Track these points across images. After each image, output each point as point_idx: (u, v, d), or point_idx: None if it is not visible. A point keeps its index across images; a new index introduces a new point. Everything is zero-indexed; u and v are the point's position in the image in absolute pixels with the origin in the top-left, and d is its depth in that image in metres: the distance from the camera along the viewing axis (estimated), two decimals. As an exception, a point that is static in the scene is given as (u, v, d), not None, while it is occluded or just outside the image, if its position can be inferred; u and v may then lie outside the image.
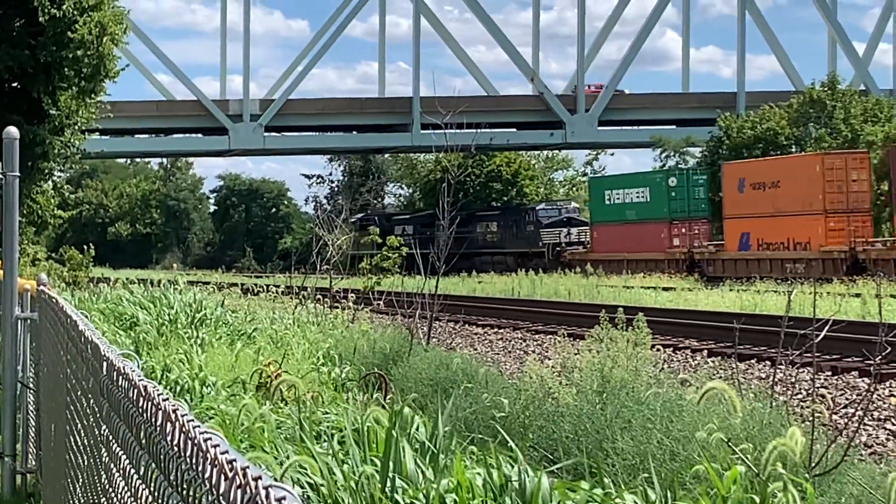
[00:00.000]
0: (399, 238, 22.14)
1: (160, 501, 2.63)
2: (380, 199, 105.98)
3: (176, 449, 2.45)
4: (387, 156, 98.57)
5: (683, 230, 53.66)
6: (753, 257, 48.69)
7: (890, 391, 15.50)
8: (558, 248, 60.24)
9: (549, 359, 18.29)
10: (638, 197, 55.58)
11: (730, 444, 6.82)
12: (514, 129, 74.99)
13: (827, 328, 9.38)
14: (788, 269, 42.91)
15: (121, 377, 3.36)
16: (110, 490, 3.51)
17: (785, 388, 12.41)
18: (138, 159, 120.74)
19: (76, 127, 29.31)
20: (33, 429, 9.89)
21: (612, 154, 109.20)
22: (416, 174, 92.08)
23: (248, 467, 1.95)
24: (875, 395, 14.27)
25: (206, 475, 2.16)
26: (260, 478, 1.88)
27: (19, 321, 10.20)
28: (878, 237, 46.90)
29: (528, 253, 61.12)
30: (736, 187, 50.60)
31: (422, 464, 6.85)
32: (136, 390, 3.03)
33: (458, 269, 51.67)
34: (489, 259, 64.75)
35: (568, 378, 10.12)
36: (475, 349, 22.87)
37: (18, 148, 10.00)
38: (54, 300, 7.60)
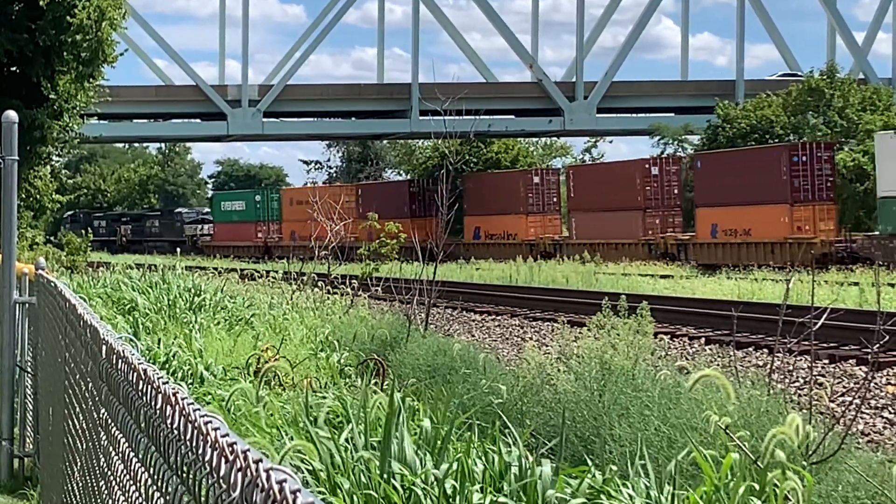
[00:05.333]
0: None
1: (159, 484, 2.63)
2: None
3: (176, 432, 2.44)
4: (385, 142, 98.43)
5: (265, 228, 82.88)
6: (296, 245, 70.93)
7: (887, 379, 15.52)
8: (194, 238, 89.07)
9: (547, 346, 18.30)
10: (239, 206, 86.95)
11: (727, 431, 6.82)
12: (513, 116, 74.75)
13: (825, 316, 9.38)
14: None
15: (120, 361, 3.35)
16: (109, 473, 3.51)
17: (782, 376, 12.42)
18: (136, 144, 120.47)
19: (75, 111, 29.28)
20: (31, 413, 9.90)
21: (611, 141, 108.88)
22: (415, 160, 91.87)
23: (248, 450, 1.95)
24: (872, 384, 14.28)
25: (207, 458, 2.16)
26: (261, 461, 1.87)
27: (17, 305, 10.20)
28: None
29: (177, 241, 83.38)
30: (289, 204, 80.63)
31: (421, 449, 6.84)
32: (135, 373, 3.03)
33: (134, 251, 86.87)
34: (153, 244, 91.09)
35: (566, 365, 10.11)
36: (473, 336, 22.87)
37: (17, 132, 9.99)
38: (53, 284, 7.60)
